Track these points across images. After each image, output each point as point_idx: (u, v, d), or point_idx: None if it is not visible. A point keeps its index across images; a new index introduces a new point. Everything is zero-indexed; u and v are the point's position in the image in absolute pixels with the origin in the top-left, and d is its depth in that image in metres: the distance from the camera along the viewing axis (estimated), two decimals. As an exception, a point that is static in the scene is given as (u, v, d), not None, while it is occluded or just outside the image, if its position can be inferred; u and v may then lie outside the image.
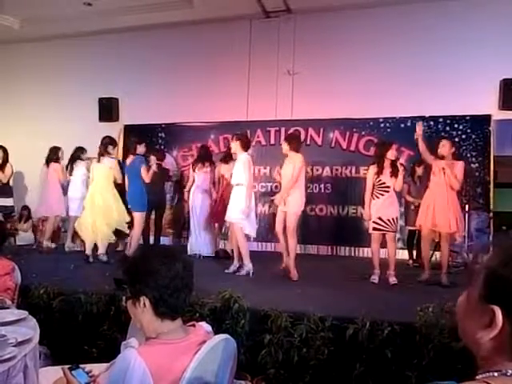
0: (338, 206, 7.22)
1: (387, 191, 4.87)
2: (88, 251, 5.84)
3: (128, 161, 5.99)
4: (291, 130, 7.35)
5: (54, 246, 7.13)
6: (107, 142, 5.94)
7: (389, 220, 4.84)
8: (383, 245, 5.01)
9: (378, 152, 5.07)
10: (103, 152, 5.90)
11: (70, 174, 6.84)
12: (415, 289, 4.60)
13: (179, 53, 8.06)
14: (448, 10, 6.81)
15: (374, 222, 4.91)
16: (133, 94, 8.13)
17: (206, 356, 1.49)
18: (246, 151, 5.22)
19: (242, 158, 5.15)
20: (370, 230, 5.02)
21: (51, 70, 8.75)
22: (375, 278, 4.91)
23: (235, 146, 5.22)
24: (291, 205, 5.03)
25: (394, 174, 4.85)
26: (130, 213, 5.91)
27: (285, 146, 5.17)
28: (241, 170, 5.12)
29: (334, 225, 7.18)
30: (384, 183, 4.88)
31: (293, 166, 5.01)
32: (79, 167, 6.82)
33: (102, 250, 5.84)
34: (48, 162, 7.03)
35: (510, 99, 6.48)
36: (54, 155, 6.97)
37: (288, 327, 3.28)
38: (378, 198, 4.90)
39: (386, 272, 4.92)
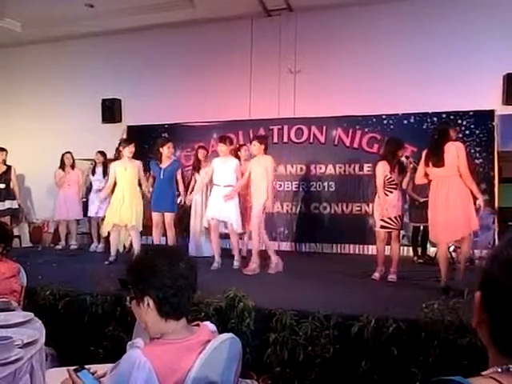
0: (341, 204, 7.21)
1: (395, 189, 4.84)
2: (113, 250, 5.84)
3: (165, 163, 5.95)
4: (294, 128, 7.35)
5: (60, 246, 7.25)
6: (127, 144, 5.94)
7: (395, 218, 4.81)
8: (387, 242, 4.99)
9: (389, 149, 4.97)
10: (125, 154, 5.89)
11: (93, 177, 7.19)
12: (420, 285, 4.58)
13: (181, 53, 8.06)
14: (450, 6, 6.77)
15: (381, 219, 4.86)
16: (135, 95, 8.14)
17: (210, 355, 1.49)
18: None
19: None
20: (378, 228, 4.97)
21: (54, 71, 8.77)
22: (377, 275, 4.89)
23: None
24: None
25: (402, 171, 4.83)
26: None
27: (256, 147, 5.34)
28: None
29: (338, 223, 7.16)
30: (393, 180, 4.84)
31: (265, 168, 5.25)
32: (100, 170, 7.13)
33: (136, 244, 5.79)
34: (63, 167, 7.21)
35: (514, 94, 6.46)
36: (69, 161, 7.22)
37: (293, 325, 3.28)
38: (386, 195, 4.84)
39: (389, 269, 4.91)
